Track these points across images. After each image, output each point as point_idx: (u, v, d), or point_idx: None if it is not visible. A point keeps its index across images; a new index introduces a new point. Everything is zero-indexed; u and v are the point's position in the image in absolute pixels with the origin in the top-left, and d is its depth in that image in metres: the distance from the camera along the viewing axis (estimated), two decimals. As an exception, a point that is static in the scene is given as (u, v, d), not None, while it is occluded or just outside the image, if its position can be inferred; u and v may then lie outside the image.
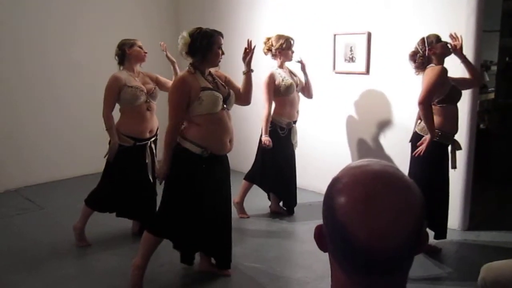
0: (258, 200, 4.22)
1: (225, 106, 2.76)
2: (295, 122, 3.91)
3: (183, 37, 2.67)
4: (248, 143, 4.71)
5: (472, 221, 3.78)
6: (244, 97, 2.95)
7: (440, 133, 3.04)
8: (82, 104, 5.23)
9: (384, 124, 4.12)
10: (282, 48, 3.75)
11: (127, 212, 3.51)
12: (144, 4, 5.70)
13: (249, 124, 4.88)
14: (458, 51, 3.10)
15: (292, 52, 3.81)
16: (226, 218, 2.92)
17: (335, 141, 4.51)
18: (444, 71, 2.96)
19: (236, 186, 3.70)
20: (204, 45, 2.64)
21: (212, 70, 2.83)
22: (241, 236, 3.61)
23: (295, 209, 4.12)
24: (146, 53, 3.38)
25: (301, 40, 4.47)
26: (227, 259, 2.98)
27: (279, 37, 3.77)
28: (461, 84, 3.16)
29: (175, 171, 2.73)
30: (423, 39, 3.07)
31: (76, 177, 5.22)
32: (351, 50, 4.22)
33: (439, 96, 2.99)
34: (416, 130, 3.17)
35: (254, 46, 2.91)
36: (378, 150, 4.17)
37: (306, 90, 3.99)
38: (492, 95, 5.74)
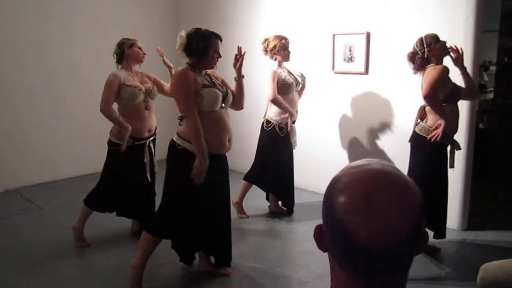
0: (258, 200, 4.22)
1: (223, 105, 2.77)
2: (294, 122, 3.92)
3: (180, 36, 2.68)
4: (247, 143, 4.71)
5: (471, 220, 3.78)
6: (237, 102, 2.95)
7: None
8: (82, 105, 5.23)
9: (384, 124, 4.13)
10: (277, 49, 3.76)
11: (126, 211, 3.52)
12: (144, 4, 5.71)
13: (248, 124, 4.88)
14: (458, 63, 3.09)
15: (288, 52, 3.81)
16: (225, 217, 2.92)
17: (334, 141, 4.51)
18: (446, 69, 2.96)
19: (235, 186, 3.70)
20: (200, 48, 2.65)
21: (209, 70, 2.83)
22: (241, 236, 3.61)
23: (295, 209, 4.12)
24: (145, 54, 3.38)
25: (300, 40, 4.48)
26: (227, 258, 2.98)
27: (275, 38, 3.78)
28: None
29: (174, 171, 2.74)
30: (421, 39, 3.06)
31: (75, 177, 5.22)
32: (350, 50, 4.23)
33: (442, 95, 2.99)
34: (416, 130, 3.17)
35: (244, 53, 2.92)
36: (377, 150, 4.17)
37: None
38: (491, 95, 5.76)
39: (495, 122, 5.31)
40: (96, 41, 5.16)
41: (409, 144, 3.24)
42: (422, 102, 3.17)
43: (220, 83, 2.84)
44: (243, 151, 4.72)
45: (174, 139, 2.73)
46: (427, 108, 3.09)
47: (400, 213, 0.68)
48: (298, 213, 4.10)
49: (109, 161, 3.39)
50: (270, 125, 3.82)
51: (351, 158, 4.40)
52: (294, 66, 4.09)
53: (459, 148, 3.22)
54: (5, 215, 4.15)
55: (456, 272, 3.06)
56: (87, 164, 5.18)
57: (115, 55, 3.34)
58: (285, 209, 4.14)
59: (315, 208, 3.99)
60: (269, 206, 4.19)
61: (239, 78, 2.92)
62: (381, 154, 4.11)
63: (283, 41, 3.77)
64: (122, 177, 3.34)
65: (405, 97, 3.85)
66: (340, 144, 4.49)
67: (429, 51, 3.02)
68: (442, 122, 2.96)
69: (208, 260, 3.05)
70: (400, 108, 3.96)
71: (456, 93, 3.06)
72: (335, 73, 4.39)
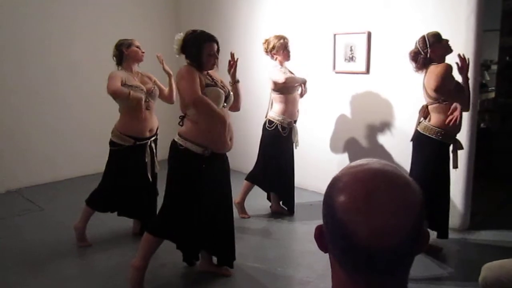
0: (259, 200, 4.22)
1: (225, 104, 2.77)
2: (295, 121, 3.92)
3: (177, 40, 2.69)
4: (249, 143, 4.71)
5: (473, 220, 3.78)
6: (234, 105, 2.95)
7: (443, 132, 3.04)
8: (83, 105, 5.24)
9: (385, 124, 4.12)
10: (277, 49, 3.75)
11: (127, 211, 3.52)
12: (144, 4, 5.71)
13: (249, 124, 4.88)
14: (463, 73, 3.06)
15: (288, 51, 3.81)
16: (227, 217, 2.92)
17: (335, 141, 4.51)
18: (450, 66, 2.94)
19: (237, 186, 3.70)
20: (193, 53, 2.66)
21: (210, 71, 2.83)
22: (242, 236, 3.61)
23: (296, 208, 4.12)
24: (143, 52, 3.37)
25: (301, 40, 4.48)
26: (230, 258, 2.98)
27: (274, 38, 3.78)
28: None
29: (176, 171, 2.73)
30: (424, 38, 3.04)
31: (76, 177, 5.23)
32: (351, 50, 4.22)
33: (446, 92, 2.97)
34: (418, 129, 3.16)
35: (237, 59, 2.92)
36: (378, 150, 4.16)
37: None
38: (492, 94, 5.75)
39: (496, 121, 5.31)
40: (96, 41, 5.16)
41: (410, 143, 3.24)
42: (423, 101, 3.17)
43: (221, 83, 2.84)
44: (244, 151, 4.72)
45: (176, 139, 2.72)
46: (431, 107, 3.08)
47: (400, 213, 0.68)
48: (299, 213, 4.10)
49: (111, 161, 3.39)
50: (273, 125, 3.81)
51: (352, 158, 4.40)
52: (295, 66, 4.09)
53: (461, 147, 3.21)
54: (6, 216, 4.15)
55: (457, 272, 3.06)
56: (87, 165, 5.19)
57: (114, 58, 3.34)
58: (286, 209, 4.14)
59: (316, 208, 3.99)
60: (270, 206, 4.19)
61: (234, 83, 2.94)
62: (382, 153, 4.10)
63: (282, 40, 3.76)
64: (123, 177, 3.35)
65: (406, 97, 3.85)
66: (341, 144, 4.48)
67: (431, 51, 3.01)
68: (457, 105, 2.90)
69: (209, 260, 3.05)
70: (401, 108, 3.95)
71: (458, 90, 3.05)
72: (336, 72, 4.39)
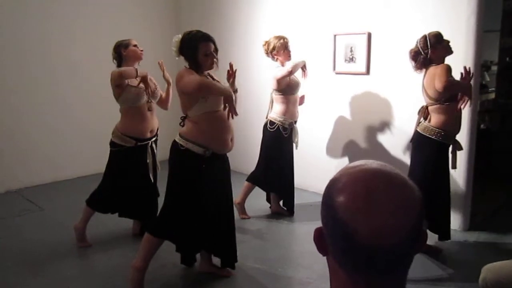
0: (259, 200, 4.22)
1: (226, 105, 2.76)
2: (295, 122, 3.92)
3: (175, 41, 2.69)
4: (249, 144, 4.71)
5: (473, 221, 3.77)
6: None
7: (443, 133, 3.04)
8: (83, 105, 5.24)
9: (385, 124, 4.12)
10: (277, 49, 3.75)
11: (128, 212, 3.52)
12: (144, 4, 5.71)
13: (250, 125, 4.88)
14: (466, 82, 3.04)
15: (289, 51, 3.80)
16: (228, 218, 2.92)
17: (335, 142, 4.51)
18: (450, 68, 2.95)
19: (237, 187, 3.70)
20: (189, 55, 2.66)
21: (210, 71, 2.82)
22: (242, 236, 3.61)
23: (296, 209, 4.12)
24: (142, 50, 3.37)
25: (301, 41, 4.48)
26: (232, 259, 2.97)
27: (274, 38, 3.78)
28: None
29: (177, 172, 2.73)
30: (425, 38, 3.04)
31: (77, 177, 5.23)
32: (351, 51, 4.22)
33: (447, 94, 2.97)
34: (418, 129, 3.16)
35: (235, 70, 2.87)
36: (378, 150, 4.16)
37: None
38: (492, 95, 5.74)
39: (496, 122, 5.30)
40: (96, 41, 5.16)
41: (410, 144, 3.24)
42: (423, 102, 3.17)
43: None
44: (244, 152, 4.73)
45: (177, 140, 2.71)
46: (431, 108, 3.08)
47: (399, 212, 0.69)
48: (299, 214, 4.10)
49: (111, 162, 3.39)
50: (274, 126, 3.81)
51: (352, 159, 4.40)
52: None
53: (460, 148, 3.21)
54: (7, 216, 4.15)
55: (458, 273, 3.05)
56: (88, 165, 5.19)
57: (114, 60, 3.34)
58: (286, 209, 4.14)
59: (316, 209, 3.96)
60: (270, 207, 4.19)
61: (233, 92, 2.88)
62: (382, 154, 4.10)
63: (282, 40, 3.76)
64: (124, 178, 3.35)
65: (406, 98, 3.85)
66: (341, 145, 4.48)
67: (432, 52, 3.01)
68: (466, 85, 2.91)
69: (209, 261, 3.04)
70: (401, 109, 3.95)
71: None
72: (336, 73, 4.39)
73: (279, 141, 3.83)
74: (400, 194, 0.70)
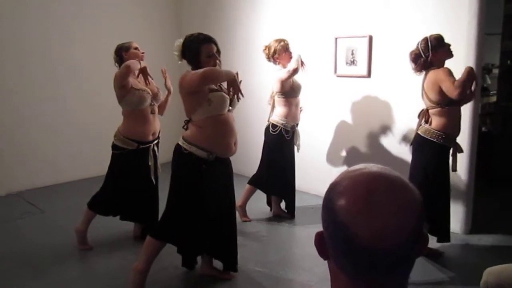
0: (260, 203, 4.22)
1: (230, 108, 2.76)
2: (297, 125, 3.92)
3: (176, 45, 2.69)
4: (251, 147, 4.71)
5: (474, 224, 3.77)
6: None
7: (443, 136, 3.04)
8: (84, 107, 5.25)
9: (386, 128, 4.12)
10: (278, 52, 3.75)
11: (130, 215, 3.52)
12: (144, 4, 5.71)
13: (251, 128, 4.88)
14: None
15: (290, 53, 3.80)
16: (230, 222, 2.91)
17: (336, 144, 4.51)
18: (451, 71, 2.95)
19: (239, 190, 3.70)
20: (191, 58, 2.66)
21: None
22: (243, 239, 3.60)
23: (297, 212, 4.11)
24: (143, 53, 3.38)
25: (302, 44, 4.48)
26: (234, 262, 2.97)
27: (274, 42, 3.78)
28: None
29: (180, 175, 2.73)
30: (426, 41, 3.03)
31: (78, 180, 5.23)
32: (352, 54, 4.23)
33: (445, 97, 2.97)
34: (419, 132, 3.16)
35: (241, 81, 2.76)
36: (379, 153, 4.16)
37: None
38: (494, 98, 5.74)
39: (497, 125, 5.30)
40: (96, 41, 5.17)
41: (411, 147, 3.23)
42: (424, 105, 3.17)
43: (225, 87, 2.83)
44: (246, 155, 4.72)
45: (180, 143, 2.70)
46: (432, 111, 3.08)
47: (400, 214, 0.69)
48: (301, 217, 4.10)
49: (113, 164, 3.39)
50: (277, 129, 3.81)
51: (353, 162, 4.39)
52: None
53: (461, 151, 3.21)
54: (8, 218, 4.15)
55: (459, 276, 3.04)
56: (88, 167, 5.20)
57: (116, 64, 3.34)
58: (287, 212, 4.14)
59: (317, 211, 3.95)
60: (271, 210, 4.19)
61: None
62: (383, 157, 4.09)
63: (282, 43, 3.76)
64: (126, 181, 3.35)
65: (407, 100, 3.84)
66: (342, 148, 4.48)
67: (433, 55, 3.01)
68: (469, 72, 2.90)
69: (210, 263, 3.04)
70: (402, 112, 3.95)
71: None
72: (338, 76, 4.39)
73: (281, 144, 3.83)
74: (400, 196, 0.71)
